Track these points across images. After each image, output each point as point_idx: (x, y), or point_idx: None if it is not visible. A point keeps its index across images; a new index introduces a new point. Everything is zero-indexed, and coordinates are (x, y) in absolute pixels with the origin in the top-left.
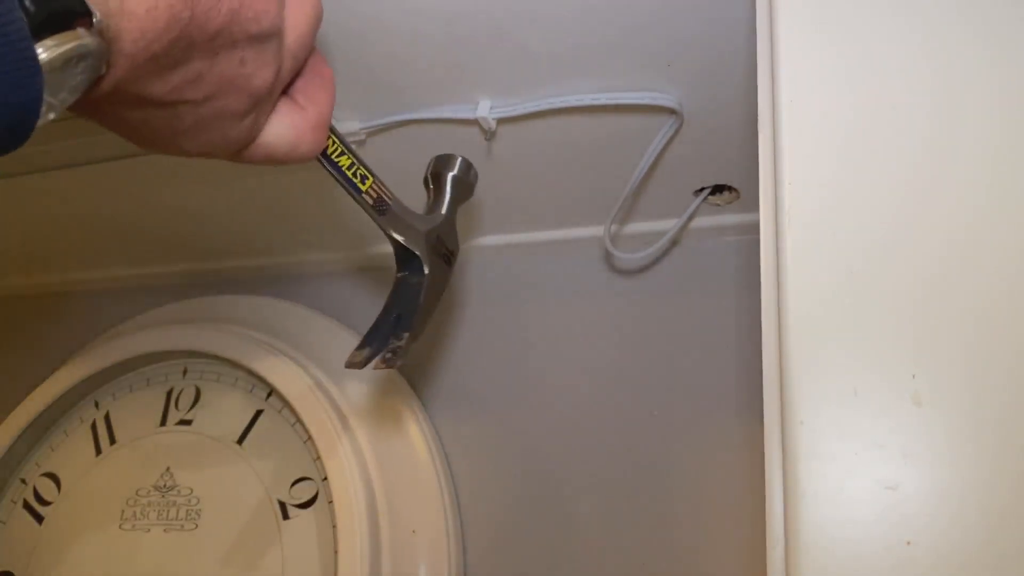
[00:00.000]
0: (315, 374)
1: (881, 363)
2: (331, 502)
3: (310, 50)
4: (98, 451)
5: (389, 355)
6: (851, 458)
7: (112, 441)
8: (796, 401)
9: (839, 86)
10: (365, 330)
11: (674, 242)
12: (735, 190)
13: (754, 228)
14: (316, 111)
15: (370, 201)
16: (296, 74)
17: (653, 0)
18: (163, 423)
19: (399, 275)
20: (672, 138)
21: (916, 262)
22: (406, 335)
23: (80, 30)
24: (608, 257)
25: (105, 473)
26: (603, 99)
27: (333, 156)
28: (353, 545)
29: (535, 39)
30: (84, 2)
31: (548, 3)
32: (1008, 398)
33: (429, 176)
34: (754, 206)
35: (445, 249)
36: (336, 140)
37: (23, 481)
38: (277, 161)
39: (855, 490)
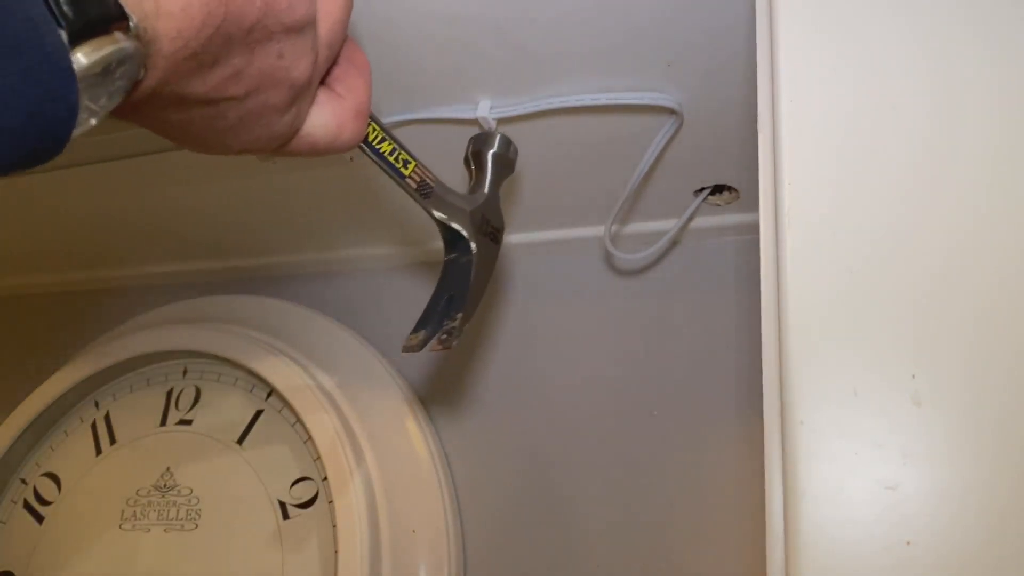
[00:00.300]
0: (315, 374)
1: (881, 363)
2: (331, 502)
3: (344, 39)
4: (98, 451)
5: (444, 336)
6: (851, 458)
7: (112, 441)
8: (796, 401)
9: (839, 86)
10: (366, 329)
11: (674, 242)
12: (735, 190)
13: (754, 228)
14: (355, 99)
15: (414, 185)
16: (332, 64)
17: (653, 0)
18: (163, 423)
19: (447, 257)
20: (672, 138)
21: (916, 262)
22: (459, 315)
23: (117, 34)
24: (608, 257)
25: (105, 473)
26: (603, 99)
27: (375, 143)
28: (353, 545)
29: (535, 39)
30: (121, 7)
31: (548, 3)
32: (1008, 398)
33: (469, 156)
34: (754, 206)
35: (491, 227)
36: (377, 127)
37: (23, 481)
38: (320, 151)
39: (855, 490)
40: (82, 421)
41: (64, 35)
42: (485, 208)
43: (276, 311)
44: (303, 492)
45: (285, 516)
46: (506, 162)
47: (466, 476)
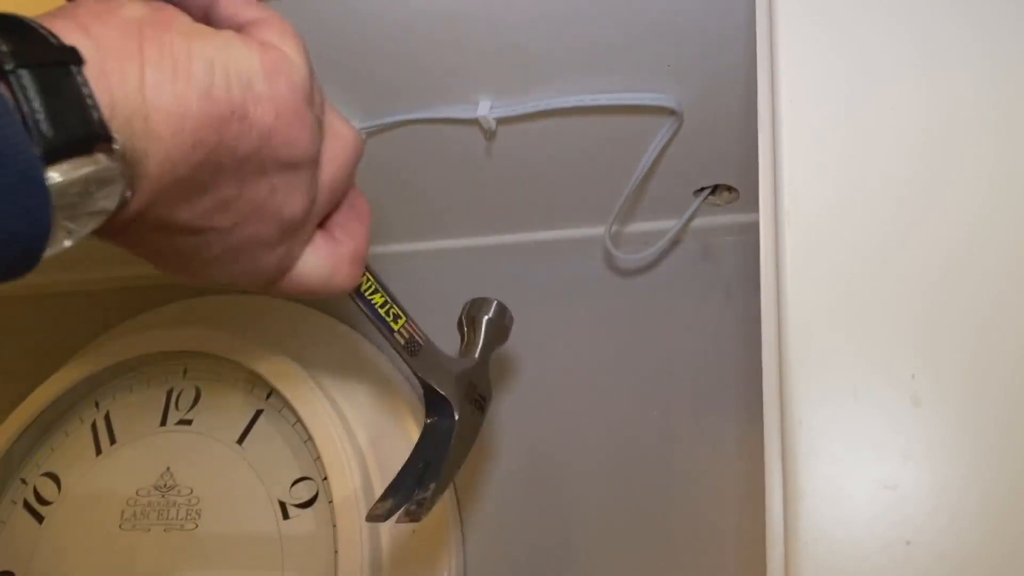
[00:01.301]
0: (315, 374)
1: (880, 363)
2: (331, 502)
3: (349, 184)
4: (98, 451)
5: (414, 507)
6: (850, 458)
7: (112, 441)
8: (796, 401)
9: (839, 86)
10: (366, 328)
11: (675, 242)
12: (735, 190)
13: (754, 228)
14: (353, 245)
15: (402, 341)
16: (334, 207)
17: (654, 1)
18: (163, 423)
19: (428, 420)
20: (672, 138)
21: (916, 262)
22: (432, 486)
23: (99, 155)
24: (608, 257)
25: (105, 473)
26: (603, 100)
27: (367, 293)
28: (353, 545)
29: (535, 39)
30: (106, 126)
31: (548, 4)
32: (1008, 398)
33: (463, 318)
34: (754, 206)
35: (477, 395)
36: (370, 277)
37: (23, 481)
38: (310, 294)
39: (854, 490)
40: (82, 421)
41: (39, 152)
42: (473, 374)
43: (276, 311)
44: (303, 492)
45: (285, 516)
46: (501, 329)
47: (466, 476)
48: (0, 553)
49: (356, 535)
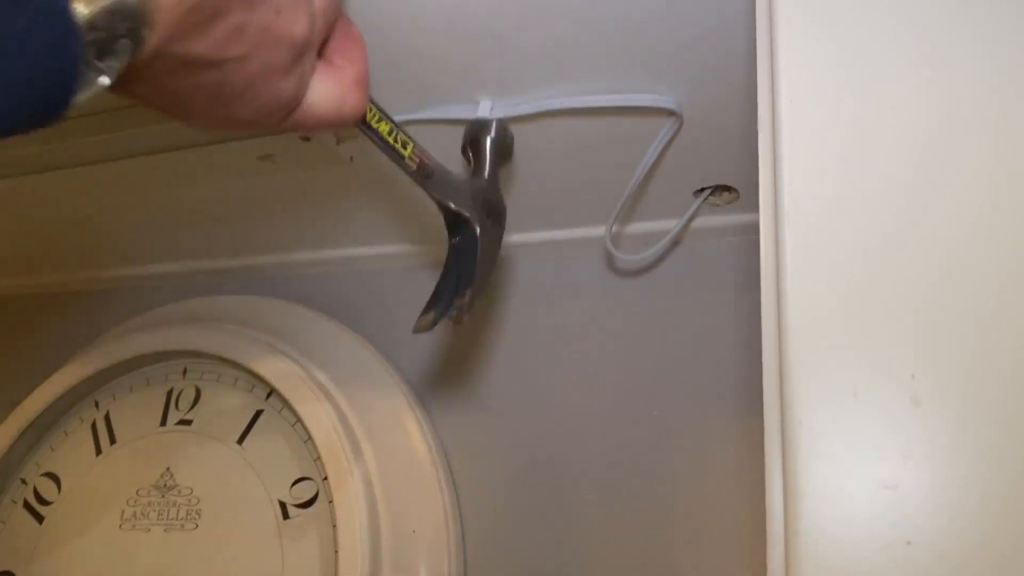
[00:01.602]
0: (315, 374)
1: (881, 363)
2: (331, 502)
3: (339, 9)
4: (98, 451)
5: (455, 312)
6: (850, 458)
7: (112, 441)
8: (796, 401)
9: (839, 86)
10: (366, 329)
11: (675, 242)
12: (735, 190)
13: (754, 228)
14: (354, 68)
15: (413, 167)
16: (327, 37)
17: (653, 1)
18: (163, 423)
19: (452, 240)
20: (672, 139)
21: (916, 262)
22: (468, 291)
23: None
24: (609, 257)
25: (105, 473)
26: (603, 100)
27: (372, 123)
28: (353, 545)
29: (536, 40)
30: None
31: (549, 4)
32: (1008, 398)
33: (467, 144)
34: (754, 206)
35: (494, 209)
36: (374, 107)
37: (23, 481)
38: (326, 123)
39: (854, 490)
40: (82, 421)
41: None
42: (487, 191)
43: (276, 311)
44: (303, 492)
45: (285, 516)
46: (504, 147)
47: (466, 476)
48: (0, 553)
49: (356, 535)
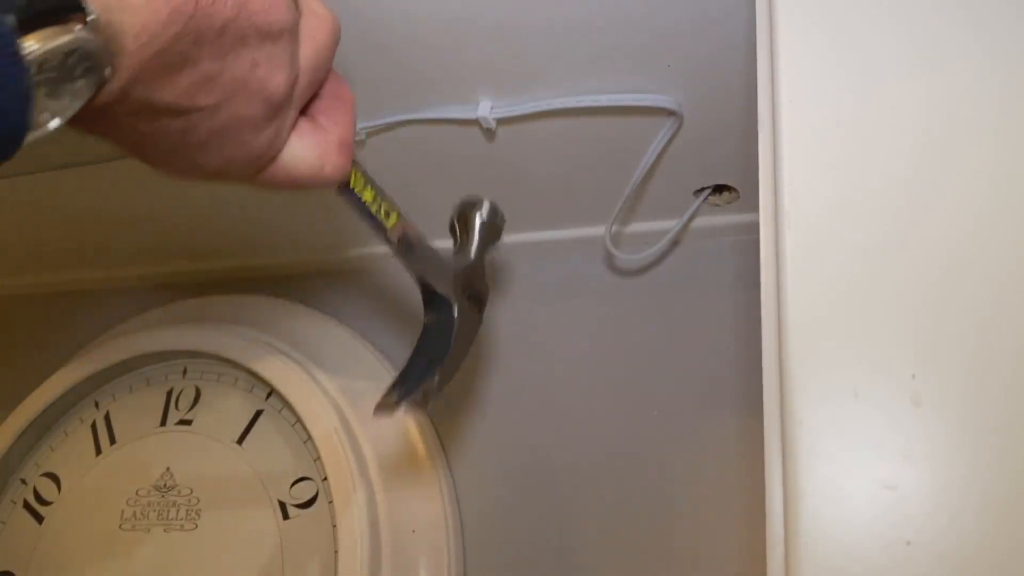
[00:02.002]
0: (315, 374)
1: (881, 363)
2: (331, 502)
3: (328, 69)
4: (98, 451)
5: (420, 396)
6: (850, 458)
7: (112, 441)
8: (796, 401)
9: (839, 86)
10: (366, 329)
11: (675, 242)
12: (735, 190)
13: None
14: (339, 132)
15: (395, 239)
16: (315, 96)
17: (653, 2)
18: (163, 423)
19: (427, 318)
20: (672, 139)
21: (916, 262)
22: (437, 377)
23: (75, 25)
24: (609, 257)
25: (105, 473)
26: (603, 100)
27: (356, 190)
28: (353, 545)
29: (535, 40)
30: None
31: (549, 4)
32: (1008, 398)
33: (455, 220)
34: (754, 206)
35: (475, 292)
36: (359, 173)
37: (23, 481)
38: (301, 184)
39: (854, 490)
40: (82, 421)
41: (12, 19)
42: (470, 272)
43: (276, 311)
44: (303, 492)
45: (285, 516)
46: (493, 229)
47: (466, 476)
48: (0, 553)
49: (356, 535)
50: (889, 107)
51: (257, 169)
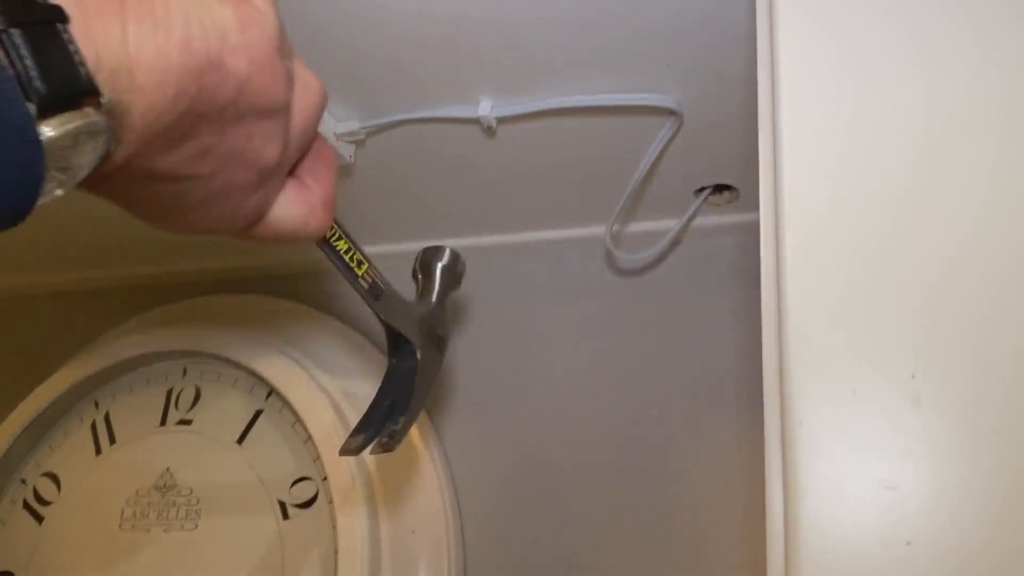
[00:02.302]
0: (315, 374)
1: (881, 363)
2: (331, 502)
3: (316, 131)
4: (98, 451)
5: (385, 439)
6: (850, 458)
7: (112, 441)
8: (796, 401)
9: (839, 86)
10: (365, 329)
11: (675, 242)
12: (735, 190)
13: (754, 228)
14: (323, 190)
15: (365, 286)
16: (303, 155)
17: (653, 1)
18: (163, 423)
19: (391, 362)
20: (672, 138)
21: (916, 262)
22: (401, 419)
23: (88, 109)
24: (609, 257)
25: (105, 473)
26: (603, 100)
27: (332, 240)
28: (353, 545)
29: (536, 39)
30: (93, 82)
31: (549, 4)
32: (1008, 398)
33: (417, 267)
34: (754, 206)
35: (437, 336)
36: (335, 225)
37: (23, 481)
38: (286, 239)
39: (855, 490)
40: (82, 421)
41: (33, 108)
42: (432, 317)
43: (276, 311)
44: (303, 492)
45: (285, 516)
46: (454, 276)
47: (466, 476)
48: (0, 553)
49: (356, 535)
50: (889, 107)
51: (246, 226)
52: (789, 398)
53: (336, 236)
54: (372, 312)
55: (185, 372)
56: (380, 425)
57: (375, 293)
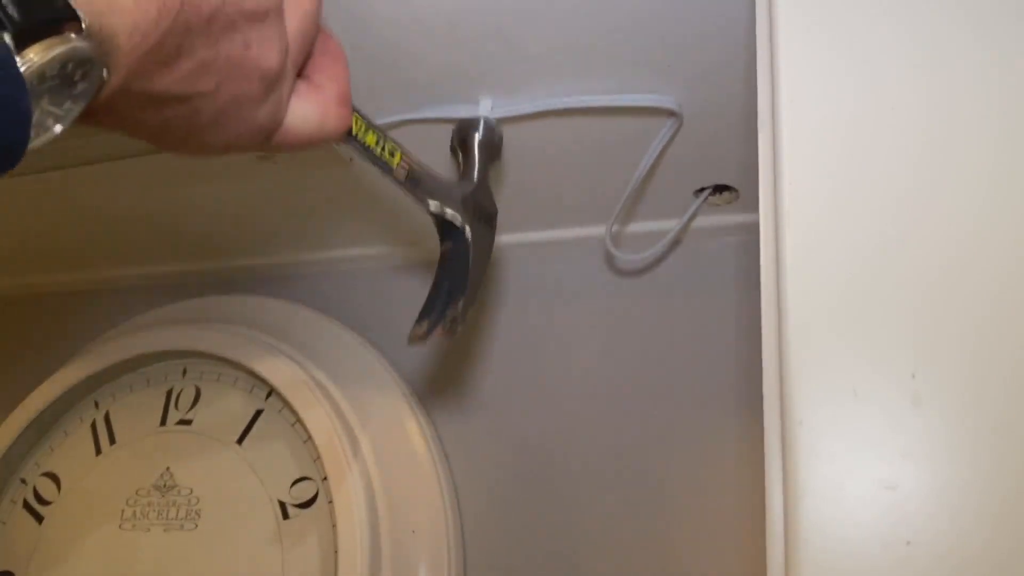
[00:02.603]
0: (315, 374)
1: (881, 363)
2: (331, 502)
3: (317, 30)
4: (98, 451)
5: (448, 324)
6: (851, 458)
7: (112, 441)
8: (796, 401)
9: (839, 86)
10: (365, 329)
11: (675, 242)
12: (735, 190)
13: (754, 228)
14: (336, 87)
15: (402, 176)
16: (308, 56)
17: (653, 1)
18: (163, 423)
19: (443, 246)
20: (672, 139)
21: (916, 262)
22: (461, 302)
23: (70, 35)
24: (609, 257)
25: (105, 473)
26: (603, 100)
27: (359, 136)
28: (353, 545)
29: (536, 39)
30: (70, 6)
31: (549, 4)
32: (1008, 398)
33: (456, 144)
34: (754, 206)
35: (484, 212)
36: (360, 118)
37: (23, 481)
38: (308, 143)
39: (855, 490)
40: (82, 421)
41: (8, 37)
42: (477, 193)
43: (276, 311)
44: (303, 492)
45: (285, 516)
46: (492, 147)
47: (466, 476)
48: (0, 553)
49: (356, 535)
50: (889, 107)
51: (265, 138)
52: (789, 398)
53: (364, 130)
54: (414, 200)
55: (185, 372)
56: (442, 311)
57: (414, 179)
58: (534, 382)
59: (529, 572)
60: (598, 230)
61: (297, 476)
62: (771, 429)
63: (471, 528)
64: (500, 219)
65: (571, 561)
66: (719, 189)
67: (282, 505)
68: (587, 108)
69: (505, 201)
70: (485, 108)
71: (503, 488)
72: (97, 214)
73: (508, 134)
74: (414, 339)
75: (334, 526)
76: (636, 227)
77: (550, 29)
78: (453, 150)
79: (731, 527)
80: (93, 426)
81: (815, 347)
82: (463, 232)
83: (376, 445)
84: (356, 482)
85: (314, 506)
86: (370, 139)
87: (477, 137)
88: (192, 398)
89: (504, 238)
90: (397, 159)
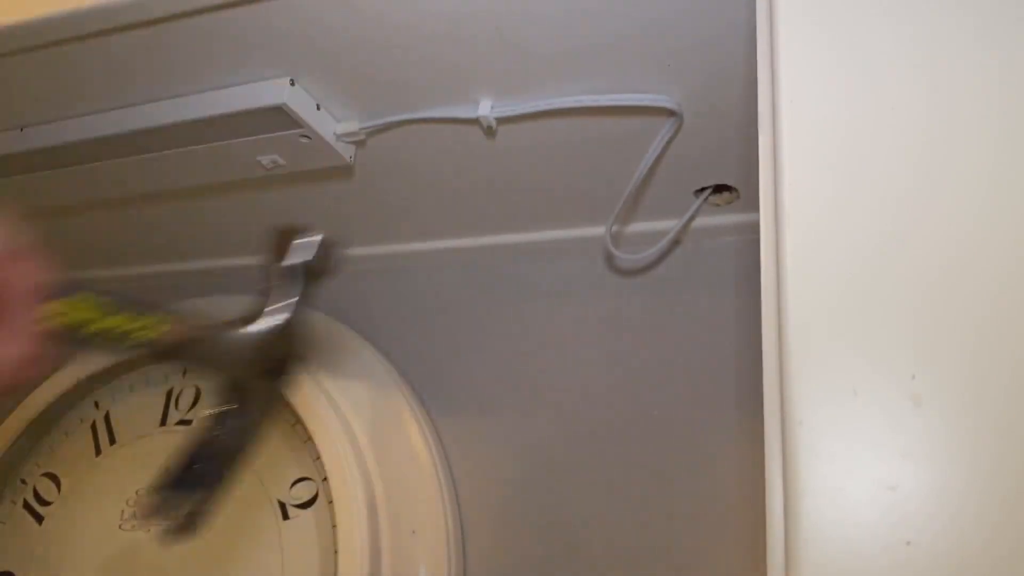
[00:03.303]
0: (315, 374)
1: (881, 363)
2: (331, 502)
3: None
4: (98, 451)
5: (186, 518)
6: (851, 458)
7: (112, 441)
8: (796, 401)
9: (839, 86)
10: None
11: (675, 242)
12: (735, 190)
13: (754, 228)
14: (7, 351)
15: (170, 349)
16: None
17: (653, 2)
18: (163, 423)
19: (212, 420)
20: (672, 139)
21: (916, 262)
22: (211, 497)
23: None
24: (609, 257)
25: (105, 473)
26: (603, 100)
27: (92, 329)
28: (353, 545)
29: (536, 40)
30: None
31: (549, 4)
32: (1008, 398)
33: (270, 262)
34: (754, 206)
35: (277, 363)
36: (92, 306)
37: (23, 481)
38: (13, 384)
39: (855, 490)
40: (82, 421)
41: None
42: (266, 342)
43: None
44: (303, 492)
45: (285, 516)
46: (317, 270)
47: (466, 476)
48: (0, 553)
49: (356, 535)
50: (889, 107)
51: None
52: (789, 398)
53: (99, 318)
54: (185, 366)
55: (185, 372)
56: (186, 497)
57: (184, 347)
58: (534, 381)
59: (529, 572)
60: (598, 230)
61: (297, 476)
62: (771, 429)
63: (471, 528)
64: (500, 220)
65: (571, 560)
66: (719, 189)
67: (282, 505)
68: (587, 108)
69: (505, 201)
70: (485, 108)
71: (503, 488)
72: (97, 214)
73: (508, 134)
74: (145, 512)
75: (334, 526)
76: (636, 227)
77: (550, 29)
78: (265, 267)
79: (731, 527)
80: (93, 426)
81: (815, 347)
82: (241, 417)
83: (376, 445)
84: (356, 482)
85: (314, 506)
86: (111, 322)
87: (305, 261)
88: (192, 398)
89: (504, 238)
90: (161, 329)
